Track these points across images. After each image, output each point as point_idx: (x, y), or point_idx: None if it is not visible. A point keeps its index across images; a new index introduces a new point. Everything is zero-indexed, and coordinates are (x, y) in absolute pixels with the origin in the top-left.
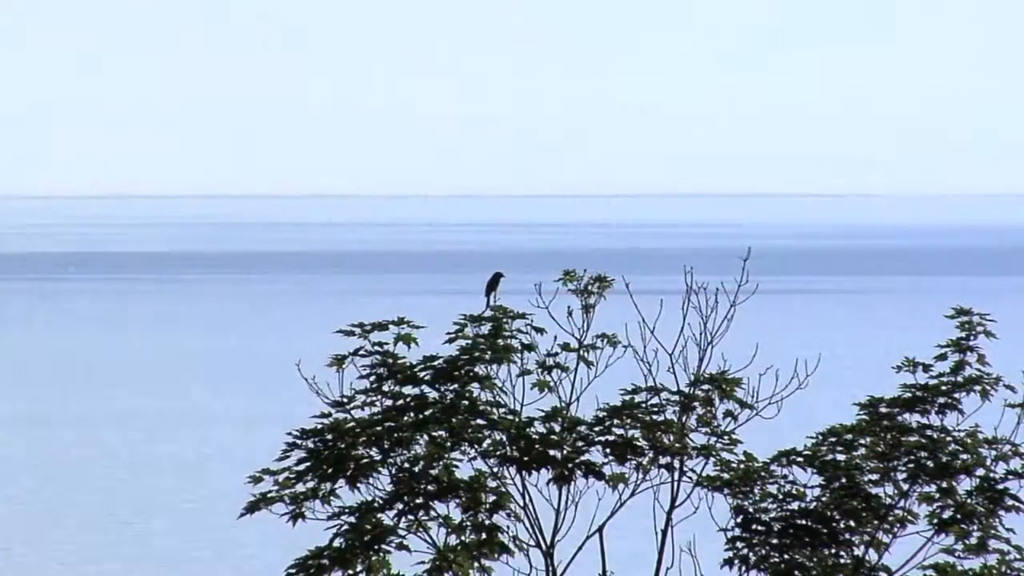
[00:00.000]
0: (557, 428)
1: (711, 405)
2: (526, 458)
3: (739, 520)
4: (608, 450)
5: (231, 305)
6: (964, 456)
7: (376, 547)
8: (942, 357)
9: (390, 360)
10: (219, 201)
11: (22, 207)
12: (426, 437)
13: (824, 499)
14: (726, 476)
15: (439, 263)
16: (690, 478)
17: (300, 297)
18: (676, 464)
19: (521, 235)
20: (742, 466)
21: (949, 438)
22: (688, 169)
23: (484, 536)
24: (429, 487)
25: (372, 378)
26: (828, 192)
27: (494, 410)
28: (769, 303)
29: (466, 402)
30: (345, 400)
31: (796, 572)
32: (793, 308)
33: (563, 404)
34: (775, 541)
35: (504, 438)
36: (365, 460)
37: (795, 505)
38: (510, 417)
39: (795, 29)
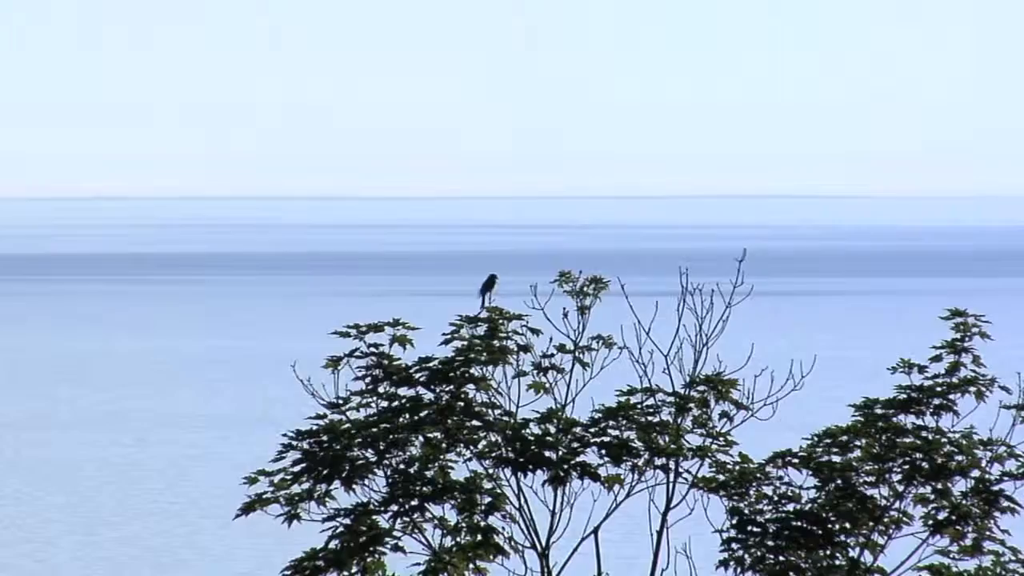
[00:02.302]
0: (553, 429)
1: (706, 406)
2: (521, 459)
3: (734, 521)
4: (604, 451)
5: (227, 306)
6: (959, 457)
7: (371, 549)
8: (937, 359)
9: (385, 361)
10: (218, 202)
11: (18, 208)
12: (421, 439)
13: (819, 500)
14: (721, 477)
15: (435, 264)
16: (685, 479)
17: (296, 298)
18: (671, 465)
19: (517, 236)
20: (737, 467)
21: (944, 439)
22: (687, 169)
23: (480, 538)
24: (424, 488)
25: (367, 379)
26: (826, 193)
27: (489, 411)
28: (764, 304)
29: (461, 403)
30: (340, 401)
31: (791, 573)
32: (788, 309)
33: (559, 405)
34: (770, 542)
35: (500, 439)
36: (360, 461)
37: (790, 506)
38: (506, 418)
39: (795, 29)
